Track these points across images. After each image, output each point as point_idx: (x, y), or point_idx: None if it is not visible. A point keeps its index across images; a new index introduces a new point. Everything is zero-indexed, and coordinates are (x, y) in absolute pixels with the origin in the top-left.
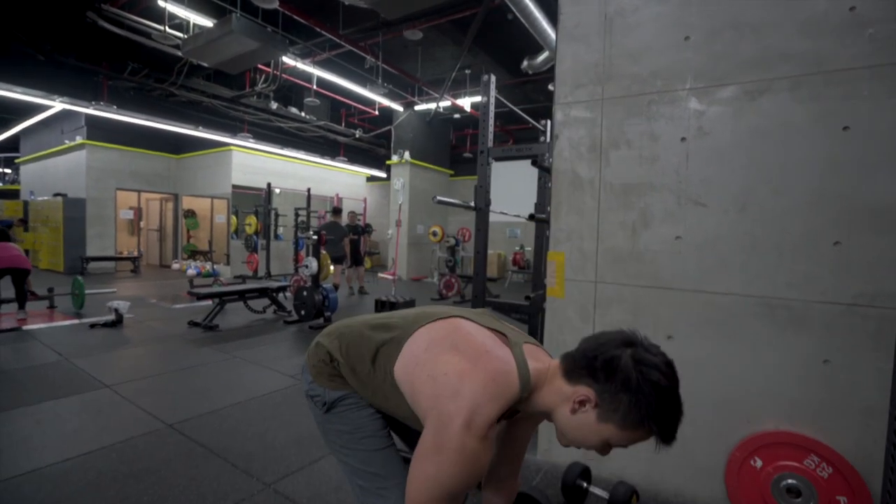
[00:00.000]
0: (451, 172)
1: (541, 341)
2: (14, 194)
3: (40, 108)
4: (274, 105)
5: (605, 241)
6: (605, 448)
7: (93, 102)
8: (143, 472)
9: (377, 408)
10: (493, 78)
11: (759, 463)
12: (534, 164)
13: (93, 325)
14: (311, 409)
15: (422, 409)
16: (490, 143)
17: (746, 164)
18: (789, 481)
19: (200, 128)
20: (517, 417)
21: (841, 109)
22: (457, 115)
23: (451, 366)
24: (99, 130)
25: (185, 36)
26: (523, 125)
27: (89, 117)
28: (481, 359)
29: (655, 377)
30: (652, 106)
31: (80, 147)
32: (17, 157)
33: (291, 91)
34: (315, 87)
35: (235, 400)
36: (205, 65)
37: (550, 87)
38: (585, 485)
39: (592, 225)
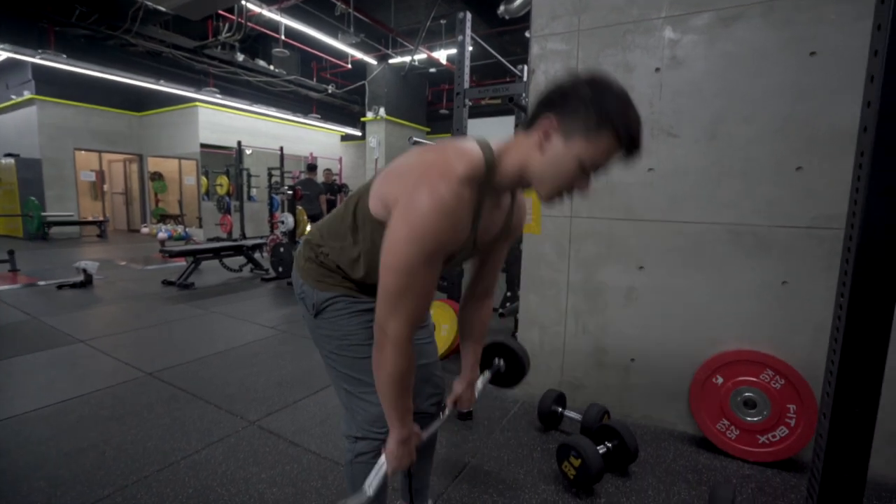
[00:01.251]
0: (428, 129)
1: (518, 280)
2: None
3: None
4: (240, 57)
5: None
6: (582, 174)
7: (39, 51)
8: (125, 414)
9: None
10: (468, 16)
11: (720, 380)
12: (510, 102)
13: (60, 286)
14: (302, 313)
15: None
16: (466, 85)
17: (718, 92)
18: (746, 394)
19: (162, 81)
20: (492, 245)
21: (809, 34)
22: (432, 70)
23: (416, 156)
24: (50, 85)
25: None
26: (500, 80)
27: (37, 69)
28: (445, 145)
29: (606, 84)
30: (627, 36)
31: (29, 102)
32: None
33: (258, 42)
34: (283, 37)
35: (215, 350)
36: (162, 9)
37: (527, 35)
38: (560, 410)
39: None
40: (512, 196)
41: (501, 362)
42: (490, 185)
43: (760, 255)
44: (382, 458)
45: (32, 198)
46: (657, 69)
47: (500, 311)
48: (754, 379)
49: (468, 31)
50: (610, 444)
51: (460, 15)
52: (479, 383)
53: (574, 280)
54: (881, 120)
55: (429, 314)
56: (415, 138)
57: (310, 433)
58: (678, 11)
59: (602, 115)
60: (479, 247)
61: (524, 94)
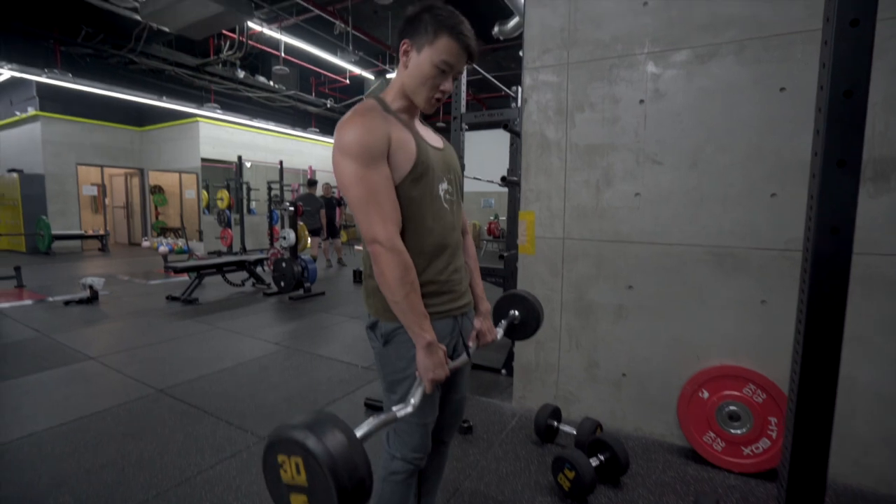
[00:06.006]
0: None
1: None
2: None
3: None
4: (241, 73)
5: (572, 199)
6: (440, 74)
7: (45, 70)
8: (140, 431)
9: None
10: None
11: (705, 394)
12: (505, 128)
13: (67, 303)
14: (372, 343)
15: None
16: (463, 110)
17: (697, 123)
18: (730, 408)
19: (164, 98)
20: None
21: (778, 71)
22: None
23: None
24: (54, 101)
25: None
26: (495, 93)
27: (42, 87)
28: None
29: (440, 7)
30: (613, 70)
31: (33, 119)
32: None
33: (259, 59)
34: (283, 54)
35: (222, 366)
36: (166, 30)
37: (521, 54)
38: (556, 423)
39: (560, 184)
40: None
41: (516, 313)
42: (390, 110)
43: (740, 276)
44: (418, 377)
45: (44, 217)
46: (641, 101)
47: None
48: (738, 393)
49: None
50: (602, 457)
51: None
52: (499, 330)
53: (567, 298)
54: (827, 146)
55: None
56: None
57: None
58: (658, 48)
59: (437, 26)
60: (436, 148)
61: (518, 120)
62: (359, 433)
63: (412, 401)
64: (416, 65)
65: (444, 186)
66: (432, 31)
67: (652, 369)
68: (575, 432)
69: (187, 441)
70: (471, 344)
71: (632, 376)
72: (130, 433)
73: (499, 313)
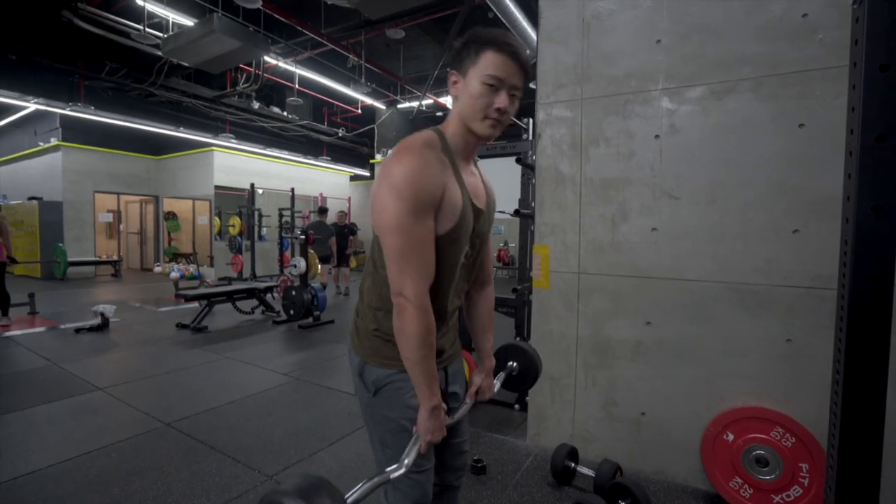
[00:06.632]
0: None
1: (528, 332)
2: None
3: (13, 109)
4: (256, 105)
5: (587, 233)
6: (491, 91)
7: (69, 103)
8: (145, 469)
9: None
10: None
11: (730, 437)
12: (518, 161)
13: (78, 330)
14: (359, 391)
15: None
16: None
17: (714, 159)
18: (758, 452)
19: (181, 128)
20: (488, 222)
21: (797, 108)
22: (439, 113)
23: (385, 160)
24: (75, 132)
25: (165, 35)
26: None
27: (64, 118)
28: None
29: (476, 29)
30: (628, 105)
31: (55, 149)
32: None
33: (274, 90)
34: (297, 86)
35: (231, 398)
36: (185, 64)
37: (532, 86)
38: (573, 465)
39: (574, 219)
40: (479, 171)
41: (515, 365)
42: (449, 149)
43: (763, 314)
44: (415, 435)
45: (60, 244)
46: (657, 136)
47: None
48: (765, 436)
49: None
50: (624, 503)
51: None
52: (497, 381)
53: (583, 334)
54: (860, 191)
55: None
56: None
57: None
58: (673, 84)
59: (477, 44)
60: (479, 209)
61: (531, 153)
62: (350, 499)
63: (406, 461)
64: (464, 90)
65: (466, 250)
66: (475, 51)
67: (673, 409)
68: (594, 474)
69: (193, 480)
70: (468, 401)
71: (651, 416)
72: (135, 471)
73: (497, 364)
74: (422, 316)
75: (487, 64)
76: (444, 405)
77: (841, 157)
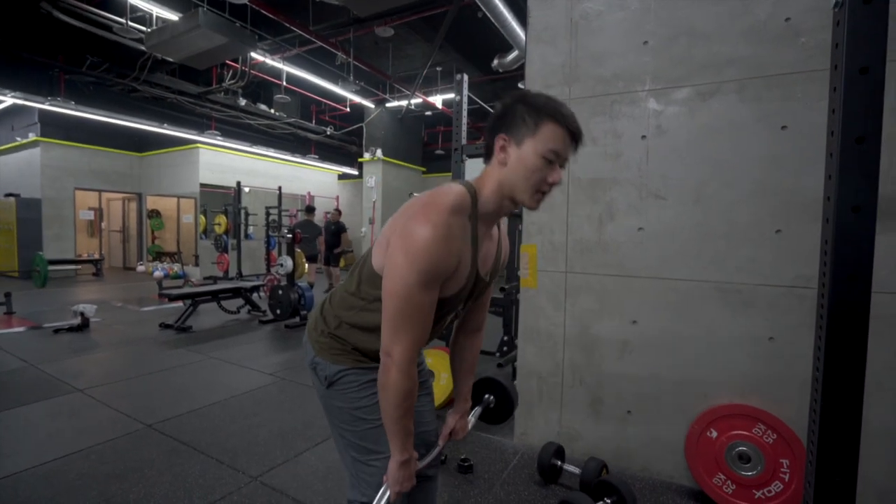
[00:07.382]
0: (424, 170)
1: (515, 331)
2: None
3: None
4: (242, 102)
5: (574, 233)
6: (547, 165)
7: (49, 98)
8: (126, 471)
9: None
10: (465, 77)
11: (714, 434)
12: None
13: (57, 331)
14: (314, 382)
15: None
16: (464, 141)
17: (700, 159)
18: (740, 448)
19: (166, 125)
20: (489, 280)
21: (780, 110)
22: (428, 113)
23: (409, 202)
24: (54, 127)
25: (149, 30)
26: None
27: (43, 113)
28: (433, 189)
29: (533, 93)
30: (615, 105)
31: (33, 144)
32: None
33: (261, 87)
34: (285, 83)
35: (215, 399)
36: (170, 60)
37: (520, 85)
38: (559, 463)
39: (562, 218)
40: (498, 229)
41: (491, 398)
42: (477, 213)
43: (747, 312)
44: (385, 484)
45: (40, 253)
46: (643, 136)
47: (499, 361)
48: (747, 433)
49: (465, 91)
50: (609, 501)
51: (458, 77)
52: (472, 418)
53: (570, 333)
54: (840, 192)
55: (428, 384)
56: (416, 194)
57: (313, 489)
58: (660, 85)
59: (537, 113)
60: (481, 278)
61: None
62: None
63: None
64: (517, 159)
65: (458, 310)
66: (532, 120)
67: (658, 407)
68: (580, 472)
69: (175, 482)
70: (440, 443)
71: (637, 414)
72: (115, 474)
73: (474, 397)
74: (404, 381)
75: (549, 137)
76: (415, 454)
77: (822, 158)
